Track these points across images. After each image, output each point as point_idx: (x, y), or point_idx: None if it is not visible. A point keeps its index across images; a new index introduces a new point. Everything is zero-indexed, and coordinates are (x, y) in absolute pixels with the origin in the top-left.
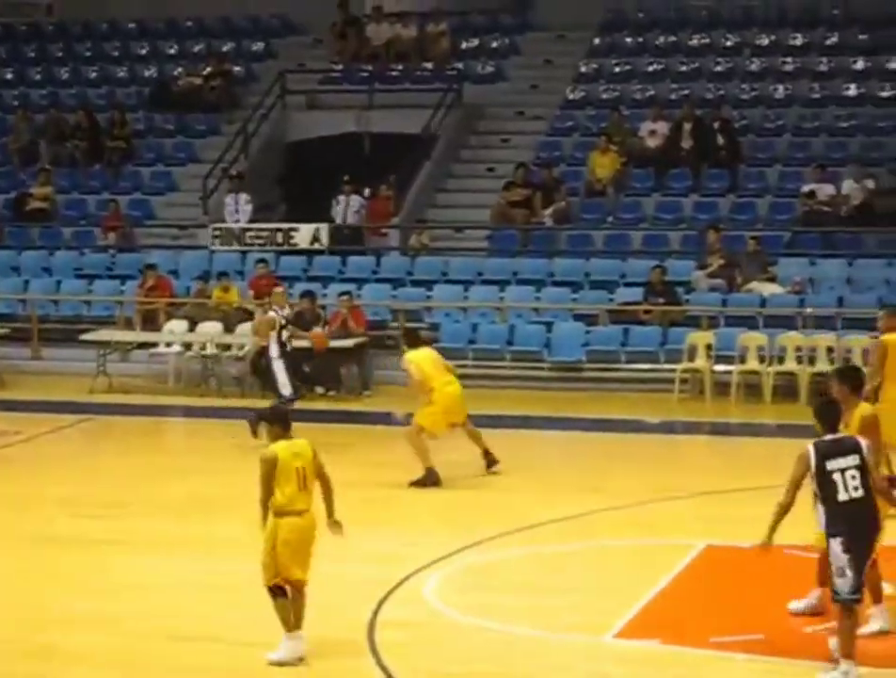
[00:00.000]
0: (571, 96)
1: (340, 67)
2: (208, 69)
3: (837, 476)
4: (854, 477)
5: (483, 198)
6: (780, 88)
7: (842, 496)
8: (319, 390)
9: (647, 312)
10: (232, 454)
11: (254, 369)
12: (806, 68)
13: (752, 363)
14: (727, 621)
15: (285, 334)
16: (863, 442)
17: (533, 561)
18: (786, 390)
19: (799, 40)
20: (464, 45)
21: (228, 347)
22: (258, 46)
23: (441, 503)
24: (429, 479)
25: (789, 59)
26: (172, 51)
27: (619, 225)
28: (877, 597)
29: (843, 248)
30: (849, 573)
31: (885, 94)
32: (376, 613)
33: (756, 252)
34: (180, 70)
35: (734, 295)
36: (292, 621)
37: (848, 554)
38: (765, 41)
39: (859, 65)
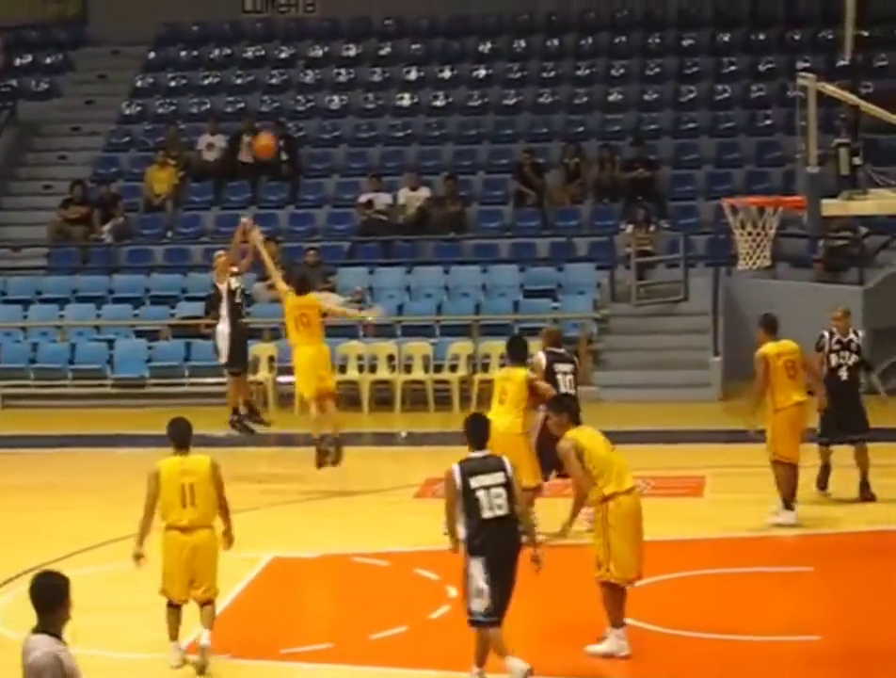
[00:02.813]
0: (127, 111)
1: None
2: None
3: (481, 494)
4: (498, 496)
5: (41, 216)
6: (335, 98)
7: (486, 514)
8: None
9: (208, 326)
10: None
11: None
12: (359, 79)
13: None
14: (297, 632)
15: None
16: (507, 460)
17: (103, 580)
18: (349, 398)
19: (352, 51)
20: (18, 61)
21: None
22: None
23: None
24: None
25: (342, 70)
26: None
27: (179, 239)
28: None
29: (401, 256)
30: (486, 593)
31: (438, 103)
32: None
33: (315, 263)
34: None
35: None
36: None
37: (488, 574)
38: (319, 53)
39: (412, 75)
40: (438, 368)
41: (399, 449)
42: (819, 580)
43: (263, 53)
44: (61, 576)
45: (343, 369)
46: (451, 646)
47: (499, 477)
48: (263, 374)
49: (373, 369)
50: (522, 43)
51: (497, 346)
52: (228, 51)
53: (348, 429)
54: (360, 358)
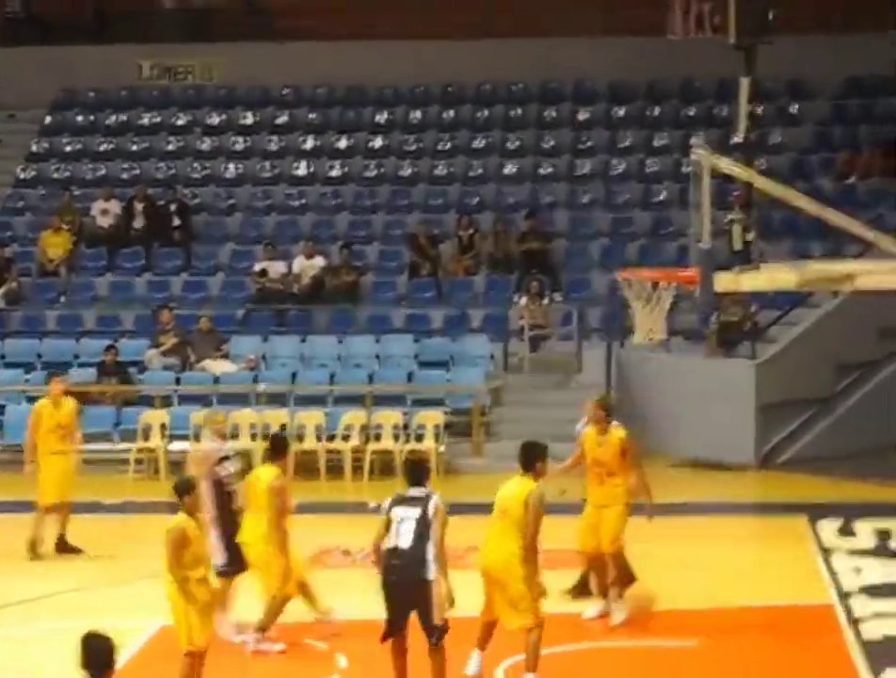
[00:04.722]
0: (23, 175)
1: None
2: None
3: (395, 524)
4: (409, 531)
5: None
6: (231, 166)
7: (390, 543)
8: None
9: (101, 392)
10: None
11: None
12: (256, 147)
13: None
14: None
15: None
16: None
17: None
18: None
19: (250, 119)
20: None
21: None
22: None
23: None
24: None
25: (239, 138)
26: None
27: (72, 305)
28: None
29: (296, 324)
30: None
31: (334, 173)
32: None
33: (209, 330)
34: None
35: (188, 373)
36: None
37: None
38: (216, 120)
39: (308, 144)
40: (331, 438)
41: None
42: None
43: (159, 119)
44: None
45: (235, 437)
46: None
47: (415, 513)
48: (155, 441)
49: (265, 437)
50: (418, 114)
51: (390, 415)
52: (124, 117)
53: None
54: (252, 426)
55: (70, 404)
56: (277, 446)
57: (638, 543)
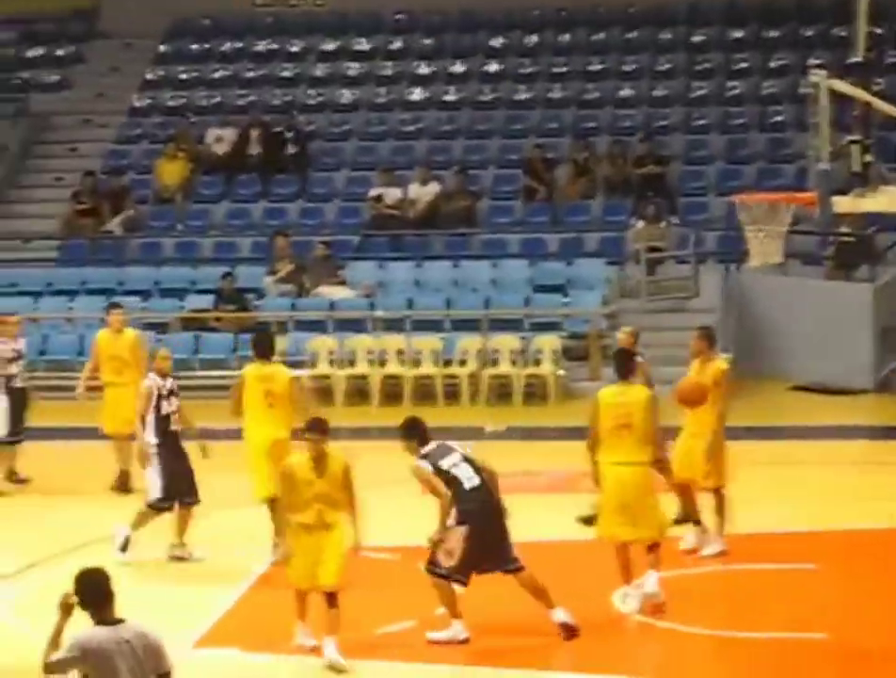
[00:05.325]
0: (138, 104)
1: None
2: None
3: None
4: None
5: (51, 208)
6: (346, 92)
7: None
8: None
9: (218, 319)
10: None
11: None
12: (371, 73)
13: (323, 367)
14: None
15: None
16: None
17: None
18: (358, 392)
19: (364, 45)
20: (29, 53)
21: None
22: None
23: None
24: None
25: (354, 64)
26: None
27: (188, 232)
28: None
29: (411, 250)
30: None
31: (449, 98)
32: None
33: (325, 257)
34: None
35: (303, 300)
36: None
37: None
38: (330, 47)
39: (423, 70)
40: (447, 363)
41: None
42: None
43: (274, 46)
44: (103, 572)
45: (352, 363)
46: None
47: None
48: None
49: (382, 363)
50: (534, 38)
51: (506, 340)
52: (239, 44)
53: (357, 423)
54: (369, 352)
55: (129, 336)
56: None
57: (757, 466)
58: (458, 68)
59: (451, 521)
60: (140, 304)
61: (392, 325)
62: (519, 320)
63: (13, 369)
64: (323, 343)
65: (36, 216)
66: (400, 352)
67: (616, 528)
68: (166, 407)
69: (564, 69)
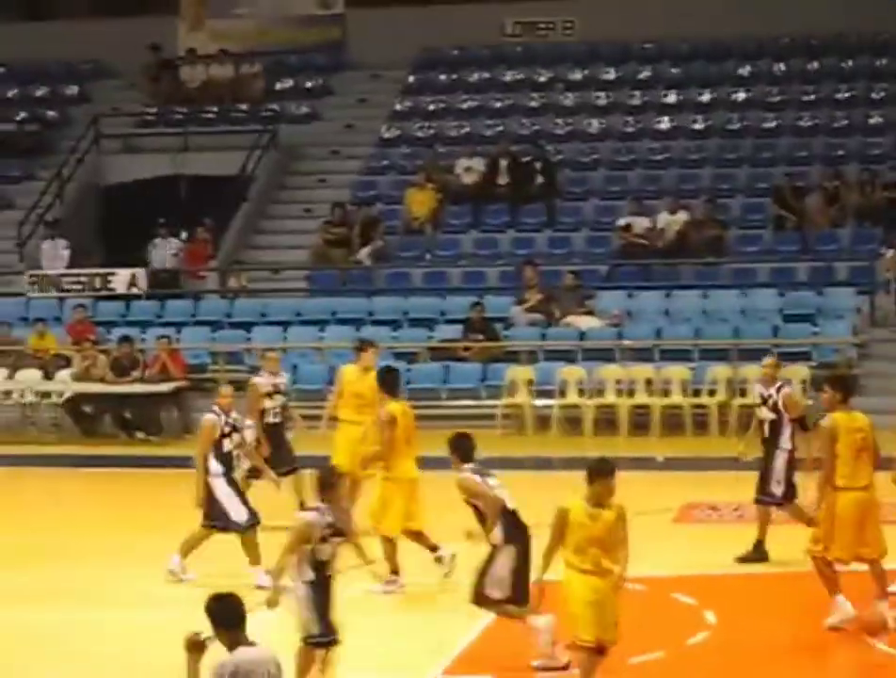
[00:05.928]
0: (387, 134)
1: (154, 110)
2: (22, 114)
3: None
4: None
5: (300, 239)
6: (594, 122)
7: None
8: (140, 435)
9: (466, 348)
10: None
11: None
12: (618, 102)
13: (572, 397)
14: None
15: (228, 444)
16: None
17: None
18: (606, 423)
19: (612, 75)
20: (278, 86)
21: (47, 394)
22: (71, 90)
23: None
24: None
25: (602, 94)
26: None
27: (437, 262)
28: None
29: (660, 279)
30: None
31: (697, 127)
32: None
33: (573, 286)
34: None
35: (552, 329)
36: None
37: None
38: (578, 76)
39: (671, 98)
40: (696, 392)
41: (656, 473)
42: None
43: (522, 76)
44: (236, 596)
45: (600, 393)
46: (709, 672)
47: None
48: (520, 397)
49: (631, 393)
50: (782, 66)
51: (755, 370)
52: (487, 74)
53: (605, 452)
54: (618, 382)
55: (375, 376)
56: None
57: None
58: (706, 96)
59: (496, 539)
60: (389, 334)
61: (641, 354)
62: (767, 349)
63: (267, 404)
64: (571, 372)
65: (285, 246)
66: (648, 382)
67: (859, 548)
68: (227, 444)
69: (812, 96)
